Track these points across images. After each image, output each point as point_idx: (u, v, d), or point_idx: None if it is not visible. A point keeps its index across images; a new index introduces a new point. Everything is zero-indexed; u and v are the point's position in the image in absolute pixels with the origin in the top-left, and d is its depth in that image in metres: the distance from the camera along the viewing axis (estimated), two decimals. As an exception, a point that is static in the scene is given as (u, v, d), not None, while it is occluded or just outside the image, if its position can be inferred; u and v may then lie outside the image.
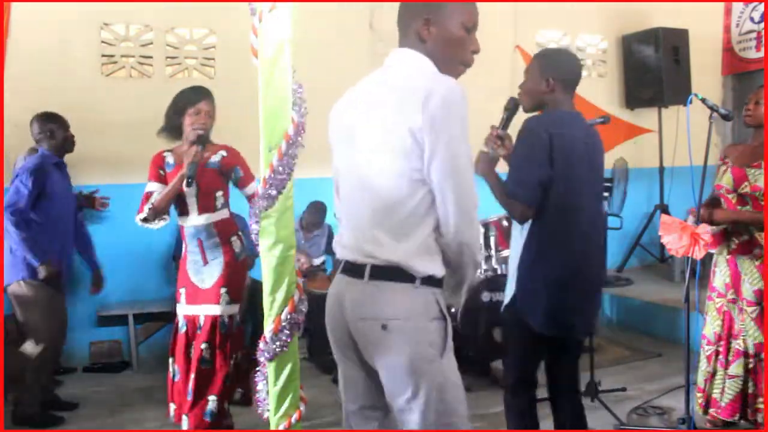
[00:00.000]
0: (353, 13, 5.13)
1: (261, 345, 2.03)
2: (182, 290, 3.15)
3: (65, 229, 3.72)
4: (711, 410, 3.17)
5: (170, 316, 3.61)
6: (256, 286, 3.25)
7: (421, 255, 1.70)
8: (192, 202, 3.08)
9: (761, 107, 3.08)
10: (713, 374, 3.19)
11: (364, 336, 1.75)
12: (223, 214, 3.13)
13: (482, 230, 4.10)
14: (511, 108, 2.60)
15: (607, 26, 6.34)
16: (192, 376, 3.07)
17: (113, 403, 3.89)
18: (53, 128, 3.70)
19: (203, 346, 3.07)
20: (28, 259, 3.51)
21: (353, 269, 1.78)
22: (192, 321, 3.11)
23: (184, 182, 2.96)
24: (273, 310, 2.00)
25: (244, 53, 1.97)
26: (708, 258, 3.20)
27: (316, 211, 4.79)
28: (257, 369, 2.10)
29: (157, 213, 3.06)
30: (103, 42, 4.73)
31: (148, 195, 3.09)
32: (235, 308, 3.17)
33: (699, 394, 3.23)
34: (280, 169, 1.92)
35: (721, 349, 3.17)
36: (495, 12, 5.07)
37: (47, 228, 3.58)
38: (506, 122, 2.60)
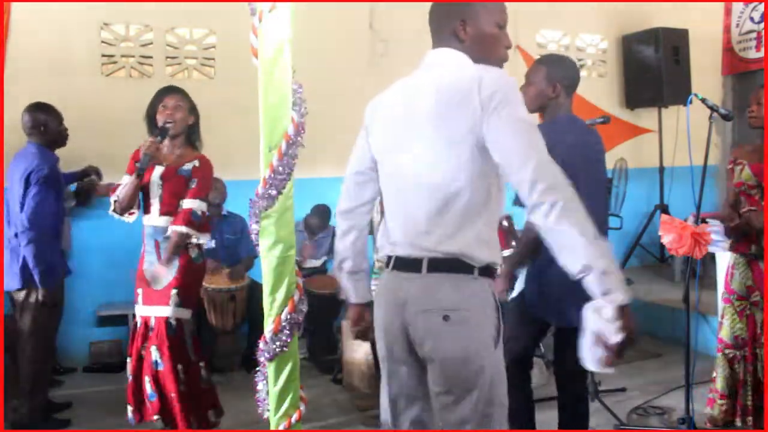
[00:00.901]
0: (353, 13, 5.13)
1: (261, 345, 2.03)
2: (139, 291, 3.14)
3: (61, 228, 3.63)
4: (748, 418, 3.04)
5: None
6: (256, 287, 3.24)
7: (479, 244, 1.72)
8: (155, 202, 3.06)
9: (763, 107, 3.07)
10: (743, 382, 3.08)
11: (424, 328, 1.74)
12: None
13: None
14: None
15: (607, 26, 6.34)
16: (147, 378, 3.03)
17: (113, 403, 3.88)
18: (46, 120, 3.46)
19: (152, 348, 3.03)
20: (36, 276, 3.29)
21: (408, 264, 1.78)
22: (145, 322, 3.08)
23: (135, 174, 2.94)
24: (273, 310, 2.00)
25: (244, 53, 1.97)
26: (708, 258, 3.17)
27: (321, 214, 4.79)
28: (257, 369, 2.10)
29: (122, 206, 3.04)
30: (103, 42, 4.73)
31: (116, 187, 3.06)
32: (185, 312, 3.08)
33: (721, 401, 3.14)
34: (280, 169, 1.92)
35: (746, 353, 3.08)
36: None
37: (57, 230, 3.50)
38: None
